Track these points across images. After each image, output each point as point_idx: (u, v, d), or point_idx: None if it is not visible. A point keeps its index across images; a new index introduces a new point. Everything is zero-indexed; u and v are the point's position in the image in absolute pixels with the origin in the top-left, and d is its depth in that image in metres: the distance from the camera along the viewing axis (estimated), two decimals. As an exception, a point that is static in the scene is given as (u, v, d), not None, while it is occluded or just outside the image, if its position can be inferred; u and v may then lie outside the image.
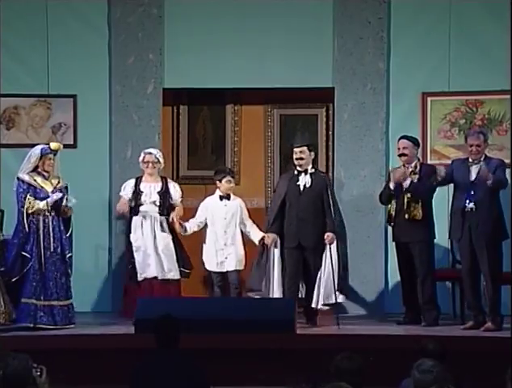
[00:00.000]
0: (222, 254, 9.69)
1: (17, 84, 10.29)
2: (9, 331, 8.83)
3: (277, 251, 9.60)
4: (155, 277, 9.54)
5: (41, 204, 8.99)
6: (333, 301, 9.40)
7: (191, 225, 9.64)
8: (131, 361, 6.84)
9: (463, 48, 10.14)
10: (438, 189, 9.42)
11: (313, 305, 9.42)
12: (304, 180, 9.49)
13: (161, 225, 9.66)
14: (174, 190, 9.81)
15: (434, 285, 9.34)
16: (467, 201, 8.97)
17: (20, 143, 10.07)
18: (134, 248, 9.60)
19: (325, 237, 9.29)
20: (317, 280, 9.46)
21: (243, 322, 8.36)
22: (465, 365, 6.88)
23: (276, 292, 9.55)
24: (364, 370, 5.85)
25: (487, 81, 10.07)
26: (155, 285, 9.57)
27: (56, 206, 9.14)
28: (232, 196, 9.78)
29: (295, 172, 9.54)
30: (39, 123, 10.27)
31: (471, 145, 9.07)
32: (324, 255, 9.46)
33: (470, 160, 9.02)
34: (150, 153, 9.65)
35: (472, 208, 8.97)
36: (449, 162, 9.75)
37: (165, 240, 9.62)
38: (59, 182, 9.22)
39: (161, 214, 9.63)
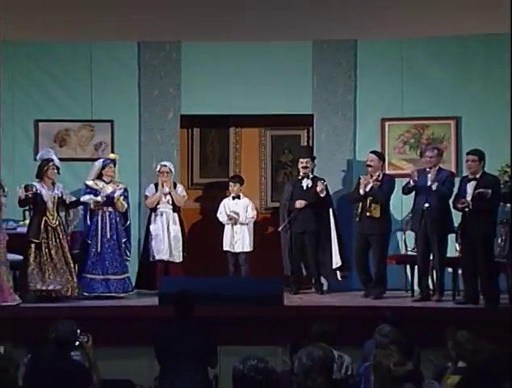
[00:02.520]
0: (234, 239, 9.98)
1: (67, 112, 10.33)
2: (74, 299, 9.00)
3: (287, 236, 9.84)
4: (162, 261, 9.67)
5: (99, 198, 9.24)
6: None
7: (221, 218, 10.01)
8: (156, 327, 7.03)
9: (412, 84, 10.25)
10: (396, 195, 9.52)
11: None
12: (307, 183, 9.78)
13: (173, 219, 9.77)
14: (181, 189, 9.91)
15: (384, 268, 9.39)
16: (425, 202, 9.00)
17: (70, 157, 10.09)
18: (152, 236, 9.69)
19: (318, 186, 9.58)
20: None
21: (243, 297, 8.44)
22: (415, 329, 6.96)
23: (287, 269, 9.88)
24: (336, 334, 6.10)
25: (431, 109, 10.18)
26: (164, 265, 9.62)
27: (111, 201, 9.37)
28: (241, 196, 10.09)
29: (300, 177, 9.85)
30: (85, 142, 10.35)
31: (427, 157, 9.18)
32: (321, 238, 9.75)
33: (427, 169, 9.07)
34: (165, 166, 9.78)
35: (427, 208, 8.99)
36: (402, 171, 10.01)
37: (174, 231, 9.74)
38: (118, 185, 9.52)
39: (173, 211, 9.77)
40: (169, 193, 9.73)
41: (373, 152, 9.61)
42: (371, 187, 9.27)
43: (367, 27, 10.09)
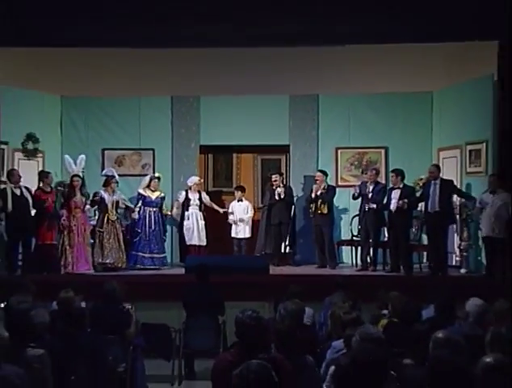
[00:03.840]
0: (238, 228, 9.94)
1: (123, 143, 10.30)
2: (126, 269, 9.01)
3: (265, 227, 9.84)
4: (194, 244, 9.62)
5: (136, 215, 9.27)
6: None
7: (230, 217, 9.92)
8: (183, 288, 7.06)
9: (356, 125, 10.18)
10: (345, 200, 9.59)
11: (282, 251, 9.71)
12: (279, 191, 9.74)
13: (200, 216, 9.69)
14: (204, 196, 9.87)
15: (333, 248, 9.45)
16: (365, 206, 9.07)
17: (125, 174, 9.99)
18: (185, 228, 9.61)
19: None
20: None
21: (242, 268, 8.39)
22: (357, 289, 6.67)
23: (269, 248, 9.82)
24: (304, 293, 6.04)
25: (368, 142, 10.17)
26: (195, 247, 9.59)
27: (155, 205, 9.39)
28: (243, 200, 10.03)
29: (274, 186, 9.81)
30: (135, 163, 10.27)
31: (368, 175, 9.29)
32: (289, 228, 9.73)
33: (368, 182, 9.15)
34: (197, 179, 9.83)
35: (367, 210, 9.06)
36: (349, 183, 9.93)
37: (201, 225, 9.65)
38: (160, 193, 9.51)
39: (199, 210, 9.69)
40: (200, 198, 9.66)
41: (319, 170, 9.62)
42: (321, 193, 9.27)
43: (326, 86, 10.08)
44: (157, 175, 9.67)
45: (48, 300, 6.14)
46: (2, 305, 5.88)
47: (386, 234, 9.30)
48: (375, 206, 8.99)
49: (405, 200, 8.60)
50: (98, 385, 5.03)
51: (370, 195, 9.04)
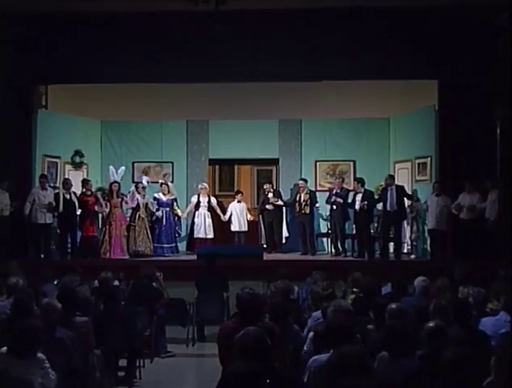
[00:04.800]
0: (237, 223, 9.67)
1: (148, 157, 10.17)
2: (149, 256, 8.80)
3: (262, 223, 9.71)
4: (201, 238, 9.38)
5: (160, 213, 9.04)
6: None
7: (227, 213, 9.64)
8: (195, 271, 7.00)
9: (330, 143, 10.09)
10: (320, 201, 9.43)
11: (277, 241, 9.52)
12: (270, 195, 9.58)
13: (208, 215, 9.44)
14: (213, 199, 9.60)
15: (313, 240, 9.31)
16: (335, 205, 8.98)
17: (151, 181, 9.52)
18: (195, 224, 9.36)
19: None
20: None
21: (241, 255, 8.28)
22: (332, 271, 6.40)
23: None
24: (291, 274, 6.05)
25: (340, 156, 10.09)
26: (201, 240, 9.34)
27: (167, 205, 9.14)
28: (241, 201, 9.78)
29: (266, 192, 9.66)
30: (158, 173, 10.02)
31: (336, 182, 9.25)
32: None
33: (338, 189, 9.06)
34: (205, 185, 9.67)
35: (335, 208, 8.99)
36: (325, 188, 9.72)
37: (208, 222, 9.38)
38: (170, 195, 9.28)
39: (207, 210, 9.45)
40: (209, 200, 9.46)
41: (302, 179, 9.45)
42: (308, 198, 9.19)
43: (307, 113, 10.00)
44: (161, 181, 9.35)
45: (90, 279, 6.18)
46: (56, 282, 5.95)
47: (353, 228, 9.18)
48: (341, 201, 8.87)
49: (365, 202, 8.62)
50: (129, 346, 5.11)
51: (333, 198, 9.02)
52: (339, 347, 2.60)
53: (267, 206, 9.59)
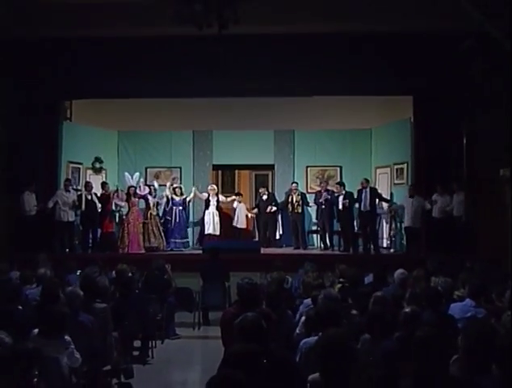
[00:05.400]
0: (237, 220, 9.65)
1: (160, 163, 10.06)
2: (162, 251, 8.72)
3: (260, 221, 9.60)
4: (210, 234, 9.28)
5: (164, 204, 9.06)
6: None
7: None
8: (200, 263, 7.00)
9: (320, 151, 9.98)
10: (310, 202, 9.36)
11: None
12: (266, 196, 9.55)
13: (216, 214, 9.30)
14: (221, 197, 9.51)
15: (305, 236, 9.27)
16: (323, 205, 8.94)
17: (161, 184, 9.49)
18: (206, 221, 9.26)
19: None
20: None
21: (241, 249, 8.23)
22: (322, 263, 6.34)
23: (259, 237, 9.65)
24: (284, 266, 6.10)
25: (328, 162, 9.98)
26: (211, 235, 9.22)
27: (179, 204, 9.09)
28: (241, 202, 9.74)
29: (261, 195, 9.62)
30: (168, 177, 9.82)
31: (322, 185, 9.20)
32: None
33: (322, 189, 9.05)
34: (214, 186, 9.63)
35: (323, 208, 8.95)
36: (315, 190, 9.45)
37: (216, 219, 9.27)
38: (182, 196, 9.23)
39: (216, 209, 9.32)
40: (217, 199, 9.35)
41: (294, 182, 9.41)
42: (300, 199, 9.16)
43: (299, 124, 9.93)
44: (175, 185, 9.32)
45: (109, 270, 6.16)
46: (78, 273, 5.95)
47: (339, 226, 9.08)
48: (329, 197, 8.80)
49: (347, 200, 8.59)
50: (143, 329, 5.12)
51: (323, 195, 8.98)
52: (327, 331, 2.59)
53: (266, 210, 9.49)
